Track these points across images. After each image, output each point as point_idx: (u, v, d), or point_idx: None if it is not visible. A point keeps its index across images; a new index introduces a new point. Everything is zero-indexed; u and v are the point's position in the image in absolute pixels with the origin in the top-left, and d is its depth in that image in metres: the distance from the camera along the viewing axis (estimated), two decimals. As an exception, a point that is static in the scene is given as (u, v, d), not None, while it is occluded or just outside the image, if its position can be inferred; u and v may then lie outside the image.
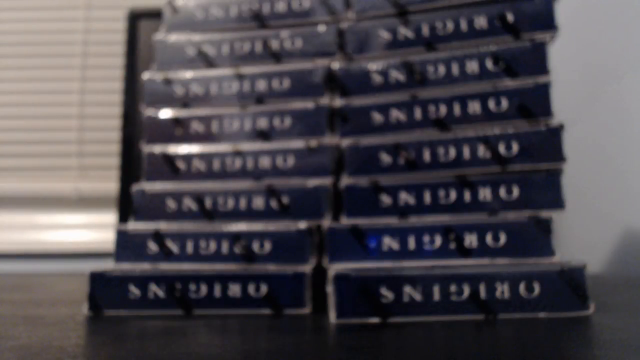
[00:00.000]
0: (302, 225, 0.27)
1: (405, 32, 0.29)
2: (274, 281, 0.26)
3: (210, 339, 0.21)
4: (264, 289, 0.26)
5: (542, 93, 0.27)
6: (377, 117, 0.29)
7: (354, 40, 0.30)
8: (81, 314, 0.27)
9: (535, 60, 0.27)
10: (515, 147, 0.27)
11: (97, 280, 0.27)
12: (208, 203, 0.29)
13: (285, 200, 0.28)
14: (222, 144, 0.30)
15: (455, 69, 0.28)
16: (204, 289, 0.26)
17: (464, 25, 0.28)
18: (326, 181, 0.28)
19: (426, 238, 0.26)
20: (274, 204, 0.28)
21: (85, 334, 0.22)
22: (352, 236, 0.26)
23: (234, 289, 0.26)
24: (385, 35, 0.29)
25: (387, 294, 0.24)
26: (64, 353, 0.18)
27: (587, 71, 0.59)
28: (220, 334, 0.22)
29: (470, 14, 0.28)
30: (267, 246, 0.27)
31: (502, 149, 0.27)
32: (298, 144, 0.29)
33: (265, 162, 0.29)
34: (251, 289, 0.26)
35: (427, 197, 0.27)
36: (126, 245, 0.28)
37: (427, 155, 0.27)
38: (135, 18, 0.52)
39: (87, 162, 0.82)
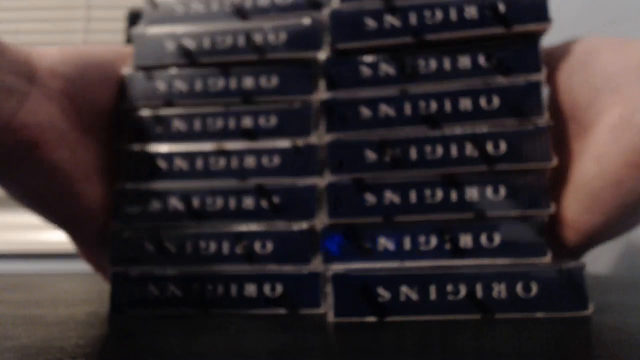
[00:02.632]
0: (304, 225, 0.27)
1: (392, 20, 0.28)
2: (289, 281, 0.26)
3: (210, 338, 0.21)
4: (279, 289, 0.26)
5: (534, 91, 0.27)
6: (365, 112, 0.28)
7: (339, 28, 0.29)
8: (82, 314, 0.27)
9: (528, 58, 0.27)
10: (503, 146, 0.26)
11: (119, 280, 0.27)
12: (195, 203, 0.28)
13: (275, 200, 0.28)
14: (205, 142, 0.29)
15: (447, 64, 0.28)
16: (220, 289, 0.26)
17: (453, 15, 0.28)
18: (316, 180, 0.28)
19: (422, 239, 0.26)
20: (264, 203, 0.28)
21: (85, 334, 0.22)
22: (348, 236, 0.26)
23: (250, 289, 0.26)
24: (371, 23, 0.28)
25: (384, 293, 0.25)
26: (64, 353, 0.19)
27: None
28: (214, 333, 0.22)
29: (461, 3, 0.28)
30: (269, 246, 0.27)
31: (489, 147, 0.26)
32: (284, 143, 0.29)
33: (250, 161, 0.29)
34: (266, 289, 0.26)
35: (413, 197, 0.26)
36: (121, 246, 0.28)
37: (413, 153, 0.27)
38: (135, 18, 0.52)
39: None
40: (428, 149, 0.27)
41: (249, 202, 0.28)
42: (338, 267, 0.25)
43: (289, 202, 0.27)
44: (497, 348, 0.19)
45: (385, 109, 0.28)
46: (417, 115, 0.27)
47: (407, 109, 0.27)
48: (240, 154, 0.28)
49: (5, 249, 0.77)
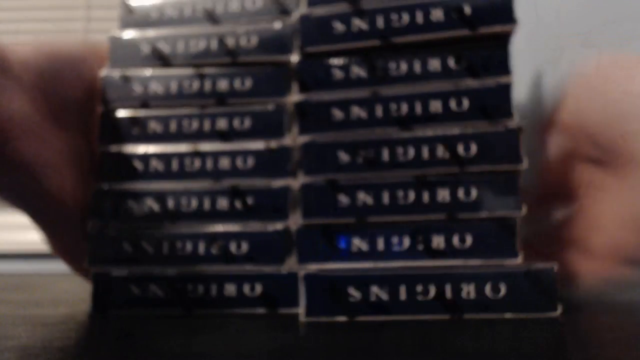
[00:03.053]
0: (279, 226, 0.27)
1: (359, 23, 0.28)
2: (268, 281, 0.27)
3: (210, 338, 0.21)
4: (258, 289, 0.27)
5: (504, 94, 0.27)
6: (338, 114, 0.28)
7: (308, 32, 0.29)
8: (82, 314, 0.27)
9: (497, 60, 0.27)
10: (473, 148, 0.27)
11: (101, 280, 0.28)
12: (171, 203, 0.28)
13: (250, 200, 0.28)
14: (181, 144, 0.29)
15: (417, 66, 0.28)
16: (201, 288, 0.27)
17: (419, 18, 0.28)
18: (290, 182, 0.28)
19: (395, 239, 0.26)
20: (238, 204, 0.28)
21: (85, 334, 0.22)
22: (322, 237, 0.27)
23: (229, 289, 0.27)
24: (339, 26, 0.29)
25: (354, 293, 0.25)
26: (65, 353, 0.19)
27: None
28: (214, 333, 0.22)
29: (427, 6, 0.28)
30: (244, 247, 0.27)
31: (460, 149, 0.27)
32: (258, 144, 0.29)
33: (225, 162, 0.29)
34: (246, 288, 0.27)
35: (386, 197, 0.27)
36: (99, 246, 0.28)
37: (385, 154, 0.27)
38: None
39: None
40: (400, 150, 0.27)
41: (223, 202, 0.28)
42: (309, 267, 0.26)
43: (263, 203, 0.28)
44: (497, 348, 0.19)
45: (357, 111, 0.28)
46: (389, 117, 0.28)
47: (379, 110, 0.28)
48: (215, 155, 0.29)
49: (5, 249, 0.77)
